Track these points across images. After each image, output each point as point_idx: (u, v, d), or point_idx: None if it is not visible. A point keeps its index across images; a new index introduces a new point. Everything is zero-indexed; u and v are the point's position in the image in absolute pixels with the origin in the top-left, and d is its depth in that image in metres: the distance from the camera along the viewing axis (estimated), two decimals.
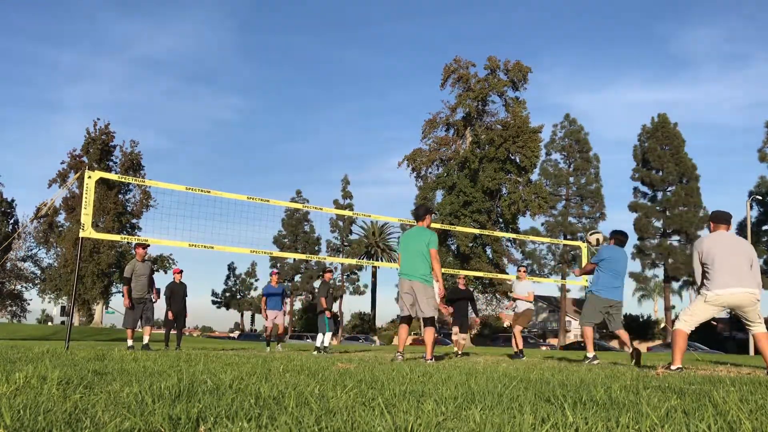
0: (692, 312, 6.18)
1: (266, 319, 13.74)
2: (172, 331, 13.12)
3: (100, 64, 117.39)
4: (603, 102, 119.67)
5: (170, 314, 12.61)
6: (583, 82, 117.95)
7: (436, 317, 7.25)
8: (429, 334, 7.20)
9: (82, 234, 9.38)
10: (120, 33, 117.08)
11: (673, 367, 5.82)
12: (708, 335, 49.01)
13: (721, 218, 6.44)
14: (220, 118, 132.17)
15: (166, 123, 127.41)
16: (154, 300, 11.27)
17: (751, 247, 6.31)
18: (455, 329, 12.59)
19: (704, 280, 6.17)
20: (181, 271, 13.08)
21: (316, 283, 67.89)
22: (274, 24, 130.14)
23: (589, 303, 8.27)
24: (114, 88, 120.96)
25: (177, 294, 12.70)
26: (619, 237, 8.49)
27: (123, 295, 10.90)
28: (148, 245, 11.25)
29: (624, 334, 8.58)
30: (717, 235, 6.28)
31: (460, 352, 12.15)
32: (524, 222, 57.22)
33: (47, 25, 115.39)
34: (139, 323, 11.12)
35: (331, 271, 13.31)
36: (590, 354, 8.34)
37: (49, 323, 63.98)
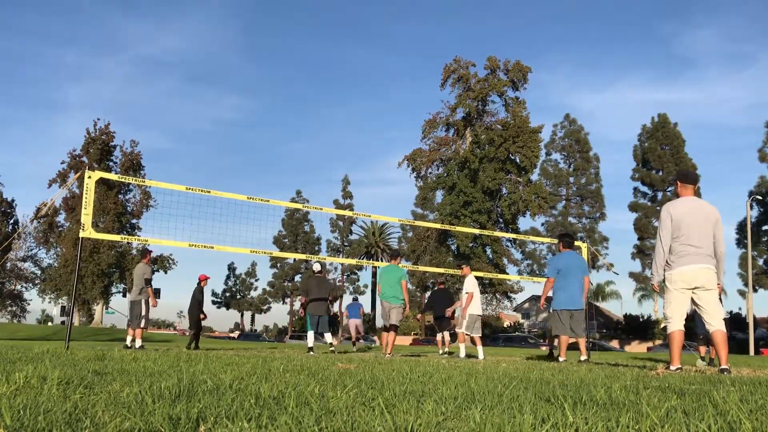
0: (668, 306, 5.88)
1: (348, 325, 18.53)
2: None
3: (103, 63, 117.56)
4: (605, 102, 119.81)
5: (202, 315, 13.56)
6: (586, 82, 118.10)
7: (398, 326, 10.60)
8: (392, 335, 10.46)
9: (82, 234, 9.38)
10: (123, 33, 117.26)
11: (672, 367, 5.71)
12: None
13: (689, 178, 6.00)
14: (221, 118, 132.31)
15: (168, 123, 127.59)
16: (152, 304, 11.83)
17: (715, 213, 5.88)
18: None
19: (669, 256, 5.85)
20: (206, 278, 13.85)
21: None
22: (276, 24, 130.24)
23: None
24: (116, 87, 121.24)
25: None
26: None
27: (150, 296, 11.58)
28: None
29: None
30: (688, 201, 5.89)
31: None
32: (524, 222, 57.35)
33: (50, 25, 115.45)
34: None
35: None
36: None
37: (49, 323, 63.98)
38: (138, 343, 11.30)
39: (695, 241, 5.77)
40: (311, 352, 10.81)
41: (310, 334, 11.71)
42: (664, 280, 6.01)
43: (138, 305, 11.42)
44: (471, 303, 10.29)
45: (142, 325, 11.45)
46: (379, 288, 10.57)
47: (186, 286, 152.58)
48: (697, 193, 6.34)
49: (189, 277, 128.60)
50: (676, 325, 5.85)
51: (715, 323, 5.76)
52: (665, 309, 5.96)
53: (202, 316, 13.49)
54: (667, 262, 5.93)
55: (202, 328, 13.85)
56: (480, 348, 10.28)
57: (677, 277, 5.82)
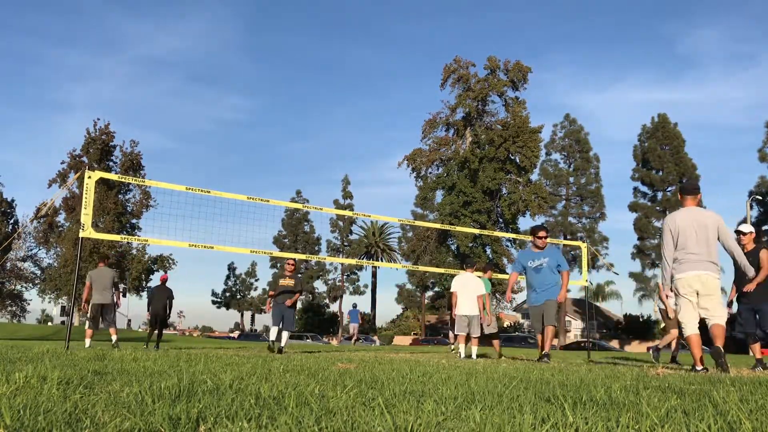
0: (681, 313, 6.09)
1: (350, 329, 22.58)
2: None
3: (103, 63, 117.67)
4: (606, 102, 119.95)
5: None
6: (586, 82, 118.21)
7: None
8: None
9: (82, 234, 9.37)
10: (123, 33, 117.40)
11: (698, 368, 5.89)
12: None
13: (688, 190, 6.22)
14: (222, 118, 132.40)
15: (168, 123, 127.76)
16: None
17: (712, 218, 6.00)
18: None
19: (673, 265, 6.06)
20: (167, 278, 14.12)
21: (316, 283, 67.86)
22: (276, 25, 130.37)
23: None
24: (116, 87, 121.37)
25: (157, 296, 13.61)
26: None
27: (119, 298, 12.60)
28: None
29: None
30: (685, 212, 6.10)
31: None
32: (524, 222, 57.23)
33: (51, 25, 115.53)
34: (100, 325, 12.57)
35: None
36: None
37: (49, 323, 63.99)
38: (114, 338, 12.11)
39: (692, 248, 5.99)
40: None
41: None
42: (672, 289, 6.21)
43: (114, 306, 12.22)
44: (459, 304, 10.25)
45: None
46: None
47: (186, 286, 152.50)
48: (700, 201, 6.46)
49: (189, 277, 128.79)
50: (690, 329, 6.05)
51: (715, 320, 5.96)
52: (679, 315, 6.17)
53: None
54: (672, 271, 6.15)
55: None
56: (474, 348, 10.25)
57: (679, 284, 6.05)
